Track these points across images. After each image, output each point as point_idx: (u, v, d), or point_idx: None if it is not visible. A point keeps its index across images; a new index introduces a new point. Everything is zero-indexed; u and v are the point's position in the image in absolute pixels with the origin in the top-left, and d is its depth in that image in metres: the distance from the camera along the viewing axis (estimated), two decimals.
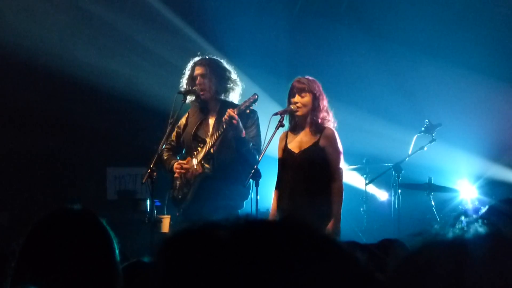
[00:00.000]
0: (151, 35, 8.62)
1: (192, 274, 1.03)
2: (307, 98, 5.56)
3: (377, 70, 8.63)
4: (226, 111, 5.69)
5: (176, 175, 6.00)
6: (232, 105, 5.90)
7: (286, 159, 5.63)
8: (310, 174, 5.52)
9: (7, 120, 8.56)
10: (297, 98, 5.56)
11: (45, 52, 8.34)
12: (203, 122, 6.05)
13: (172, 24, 8.54)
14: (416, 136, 7.21)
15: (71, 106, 8.62)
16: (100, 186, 8.68)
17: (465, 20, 8.39)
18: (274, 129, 5.55)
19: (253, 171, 5.39)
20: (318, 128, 5.57)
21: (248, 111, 5.75)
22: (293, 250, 1.04)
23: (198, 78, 5.96)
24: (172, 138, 6.13)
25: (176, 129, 6.11)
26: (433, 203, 7.31)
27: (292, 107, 5.57)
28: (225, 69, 6.05)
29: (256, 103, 5.80)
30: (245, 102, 5.79)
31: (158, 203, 6.36)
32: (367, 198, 7.87)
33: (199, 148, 5.96)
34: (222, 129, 5.77)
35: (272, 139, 5.51)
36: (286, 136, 5.71)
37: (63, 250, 2.10)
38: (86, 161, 8.79)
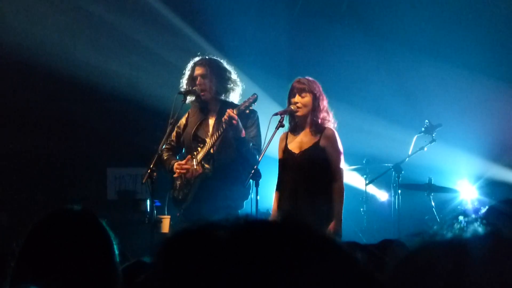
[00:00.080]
0: (151, 35, 8.62)
1: (192, 274, 1.03)
2: (307, 98, 5.56)
3: (377, 71, 8.63)
4: (226, 111, 5.69)
5: (176, 175, 6.00)
6: (232, 105, 5.90)
7: (287, 159, 5.63)
8: (311, 175, 5.51)
9: (7, 120, 8.56)
10: (297, 98, 5.56)
11: (45, 52, 8.34)
12: (203, 122, 6.05)
13: (172, 24, 8.54)
14: (416, 136, 7.21)
15: (71, 106, 8.62)
16: (100, 186, 8.67)
17: (465, 20, 8.39)
18: (274, 129, 5.55)
19: (253, 171, 5.39)
20: (318, 129, 5.57)
21: (247, 111, 5.75)
22: (293, 251, 1.04)
23: (199, 78, 5.96)
24: (172, 138, 6.13)
25: (176, 129, 6.11)
26: (433, 204, 7.30)
27: (292, 107, 5.57)
28: (225, 70, 6.05)
29: (255, 103, 5.80)
30: (244, 102, 5.79)
31: (158, 203, 6.36)
32: (367, 198, 7.87)
33: (199, 148, 5.96)
34: (222, 129, 5.77)
35: (272, 139, 5.50)
36: (286, 136, 5.71)
37: (62, 250, 2.10)
38: (86, 161, 8.79)
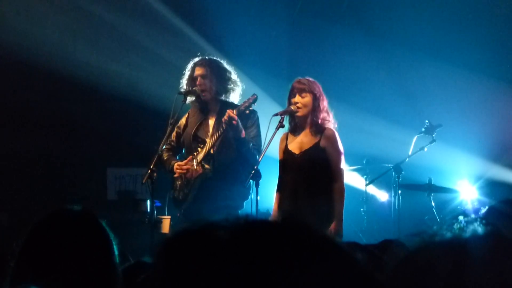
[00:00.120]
0: (151, 35, 8.62)
1: (192, 274, 1.03)
2: (307, 98, 5.56)
3: (377, 71, 8.63)
4: (226, 111, 5.69)
5: (176, 175, 6.00)
6: (232, 105, 5.90)
7: (287, 160, 5.62)
8: (311, 175, 5.51)
9: (7, 120, 8.56)
10: (297, 98, 5.56)
11: (45, 52, 8.34)
12: (203, 122, 6.04)
13: (172, 24, 8.54)
14: (416, 136, 7.21)
15: (71, 106, 8.62)
16: (100, 187, 8.68)
17: (465, 20, 8.39)
18: (274, 129, 5.55)
19: (253, 171, 5.39)
20: (319, 129, 5.56)
21: (247, 111, 5.75)
22: (293, 251, 1.04)
23: (199, 78, 5.96)
24: (172, 139, 6.12)
25: (176, 129, 6.11)
26: (433, 204, 7.31)
27: (293, 108, 5.57)
28: (225, 70, 6.05)
29: (255, 104, 5.80)
30: (244, 102, 5.79)
31: (158, 204, 6.37)
32: (367, 198, 7.86)
33: (199, 149, 5.96)
34: (222, 130, 5.77)
35: (272, 139, 5.50)
36: (286, 137, 5.70)
37: (62, 250, 2.10)
38: (86, 161, 8.79)
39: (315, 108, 5.56)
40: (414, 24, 8.54)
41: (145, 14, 8.63)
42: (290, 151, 5.61)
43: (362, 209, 7.85)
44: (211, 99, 6.01)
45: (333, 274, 1.05)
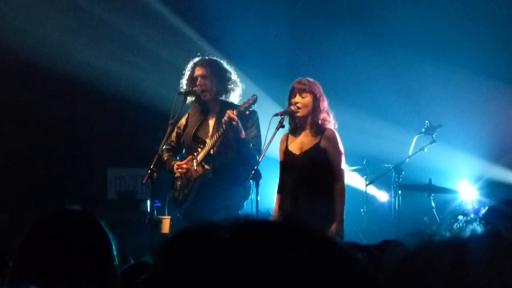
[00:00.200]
0: (151, 36, 8.62)
1: (192, 274, 1.03)
2: (307, 98, 5.56)
3: (377, 71, 8.63)
4: (226, 112, 5.69)
5: (177, 174, 5.99)
6: (232, 106, 5.89)
7: (287, 161, 5.62)
8: (312, 176, 5.51)
9: (7, 120, 8.56)
10: (297, 99, 5.55)
11: (45, 52, 8.34)
12: (203, 123, 6.04)
13: (172, 24, 8.54)
14: (416, 137, 7.21)
15: (71, 106, 8.63)
16: (101, 187, 8.68)
17: (466, 21, 8.39)
18: (274, 130, 5.54)
19: (253, 171, 5.39)
20: (319, 129, 5.56)
21: (247, 112, 5.75)
22: (293, 251, 1.04)
23: (199, 79, 5.95)
24: (172, 139, 6.12)
25: (176, 129, 6.11)
26: (433, 204, 7.31)
27: (293, 108, 5.57)
28: (225, 70, 6.04)
29: (255, 105, 5.80)
30: (244, 103, 5.79)
31: (158, 204, 6.37)
32: (367, 199, 7.86)
33: (199, 149, 5.95)
34: (222, 130, 5.76)
35: (272, 140, 5.50)
36: (286, 138, 5.70)
37: (60, 250, 2.10)
38: (87, 161, 8.79)
39: (315, 108, 5.56)
40: (414, 24, 8.54)
41: (145, 14, 8.63)
42: (291, 151, 5.61)
43: (362, 210, 7.85)
44: (211, 100, 6.00)
45: (333, 275, 1.05)
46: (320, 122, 5.56)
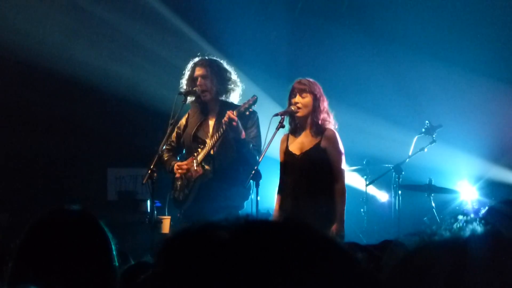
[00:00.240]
0: (151, 36, 8.62)
1: (192, 274, 1.03)
2: (307, 98, 5.55)
3: (377, 71, 8.63)
4: (226, 112, 5.69)
5: (177, 175, 5.99)
6: (232, 106, 5.89)
7: (288, 161, 5.62)
8: (312, 176, 5.51)
9: (7, 120, 8.56)
10: (297, 99, 5.55)
11: (45, 52, 8.34)
12: (203, 123, 6.04)
13: (172, 24, 8.54)
14: (416, 137, 7.21)
15: (71, 106, 8.63)
16: (101, 187, 8.68)
17: (466, 21, 8.39)
18: (274, 130, 5.54)
19: (253, 172, 5.39)
20: (319, 130, 5.56)
21: (247, 113, 5.75)
22: (293, 251, 1.04)
23: (199, 79, 5.95)
24: (172, 139, 6.12)
25: (176, 129, 6.11)
26: (433, 204, 7.31)
27: (293, 108, 5.56)
28: (225, 70, 6.04)
29: (255, 105, 5.80)
30: (244, 104, 5.78)
31: (158, 204, 6.37)
32: (367, 199, 7.86)
33: (199, 149, 5.95)
34: (222, 130, 5.76)
35: (273, 140, 5.50)
36: (287, 138, 5.70)
37: (60, 250, 2.10)
38: (87, 161, 8.79)
39: (315, 108, 5.56)
40: (414, 24, 8.54)
41: (145, 14, 8.63)
42: (291, 152, 5.61)
43: (362, 210, 7.85)
44: (211, 100, 6.00)
45: (333, 275, 1.05)
46: (320, 122, 5.56)
